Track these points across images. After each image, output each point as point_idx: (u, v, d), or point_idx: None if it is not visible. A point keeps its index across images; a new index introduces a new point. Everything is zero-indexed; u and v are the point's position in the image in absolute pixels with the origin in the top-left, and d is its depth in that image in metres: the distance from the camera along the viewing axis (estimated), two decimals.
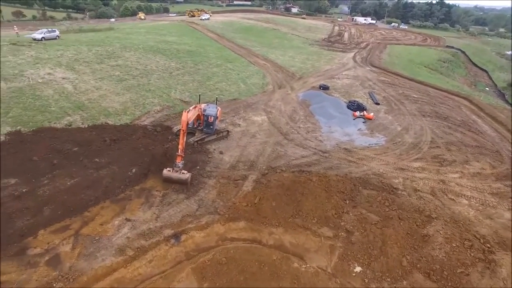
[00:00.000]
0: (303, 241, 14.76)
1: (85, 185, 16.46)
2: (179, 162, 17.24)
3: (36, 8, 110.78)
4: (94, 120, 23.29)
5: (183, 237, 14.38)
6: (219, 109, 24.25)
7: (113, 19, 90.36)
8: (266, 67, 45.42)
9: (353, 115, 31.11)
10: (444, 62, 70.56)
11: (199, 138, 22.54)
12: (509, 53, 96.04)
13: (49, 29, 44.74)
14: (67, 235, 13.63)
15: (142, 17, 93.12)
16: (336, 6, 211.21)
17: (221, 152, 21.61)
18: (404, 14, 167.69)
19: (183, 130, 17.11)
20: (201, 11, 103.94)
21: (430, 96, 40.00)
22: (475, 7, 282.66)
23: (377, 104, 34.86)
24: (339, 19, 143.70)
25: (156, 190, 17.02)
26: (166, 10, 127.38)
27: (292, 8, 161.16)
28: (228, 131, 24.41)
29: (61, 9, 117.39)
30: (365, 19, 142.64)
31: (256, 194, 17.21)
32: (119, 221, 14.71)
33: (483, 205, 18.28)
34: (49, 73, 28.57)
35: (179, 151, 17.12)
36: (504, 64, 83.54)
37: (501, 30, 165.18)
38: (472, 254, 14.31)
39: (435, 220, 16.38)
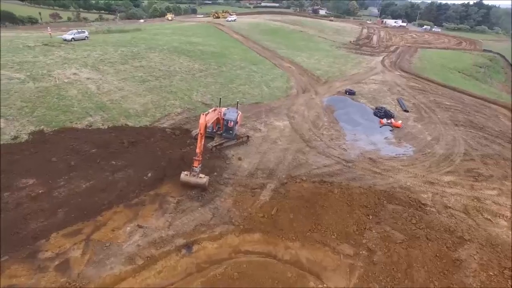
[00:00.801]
0: (321, 258, 13.92)
1: (100, 188, 16.38)
2: (197, 166, 16.78)
3: (71, 10, 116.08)
4: (114, 121, 23.39)
5: (195, 247, 13.87)
6: (240, 113, 23.68)
7: (142, 20, 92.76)
8: (291, 70, 44.63)
9: (380, 122, 29.78)
10: (480, 67, 67.11)
11: (217, 143, 22.04)
12: None
13: (78, 30, 46.29)
14: (78, 239, 13.49)
15: (170, 18, 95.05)
16: (366, 8, 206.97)
17: (239, 158, 20.99)
18: (438, 16, 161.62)
19: (201, 133, 16.64)
20: (225, 12, 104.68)
21: (464, 104, 37.86)
22: None
23: (406, 111, 33.23)
24: (368, 22, 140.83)
25: (171, 196, 16.63)
26: (194, 11, 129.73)
27: (320, 10, 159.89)
28: (248, 136, 23.79)
29: (94, 11, 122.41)
30: (395, 22, 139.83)
31: (273, 205, 16.58)
32: (131, 227, 14.42)
33: None
34: (74, 73, 29.20)
35: (196, 155, 16.66)
36: None
37: None
38: None
39: (468, 242, 15.14)
